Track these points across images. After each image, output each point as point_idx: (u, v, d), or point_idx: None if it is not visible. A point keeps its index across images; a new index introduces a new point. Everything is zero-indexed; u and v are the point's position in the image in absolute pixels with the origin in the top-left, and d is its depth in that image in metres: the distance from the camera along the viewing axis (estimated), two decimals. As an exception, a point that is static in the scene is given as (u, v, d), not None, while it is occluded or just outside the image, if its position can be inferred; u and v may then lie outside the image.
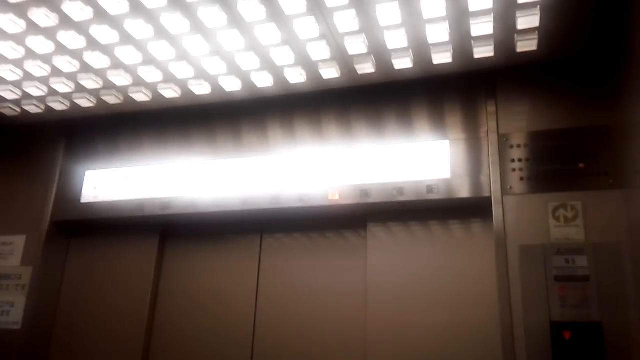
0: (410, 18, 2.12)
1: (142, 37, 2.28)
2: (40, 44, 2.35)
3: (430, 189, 2.37)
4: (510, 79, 2.40)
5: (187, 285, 2.78)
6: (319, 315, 2.55)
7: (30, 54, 2.44)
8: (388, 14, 2.09)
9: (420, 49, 2.32)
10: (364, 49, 2.31)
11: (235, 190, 2.65)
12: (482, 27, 2.15)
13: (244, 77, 2.58)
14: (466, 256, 2.39)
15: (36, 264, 2.83)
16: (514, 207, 2.23)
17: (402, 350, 2.35)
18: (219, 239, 2.81)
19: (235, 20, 2.16)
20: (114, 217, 2.82)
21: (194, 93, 2.71)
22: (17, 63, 2.51)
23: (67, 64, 2.48)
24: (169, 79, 2.60)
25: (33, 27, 2.25)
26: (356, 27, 2.18)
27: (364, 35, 2.24)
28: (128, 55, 2.40)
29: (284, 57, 2.39)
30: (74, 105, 2.86)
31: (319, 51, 2.33)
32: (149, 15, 2.16)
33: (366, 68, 2.44)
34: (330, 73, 2.49)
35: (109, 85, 2.67)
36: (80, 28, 2.25)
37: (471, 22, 2.13)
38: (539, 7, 2.04)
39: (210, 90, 2.69)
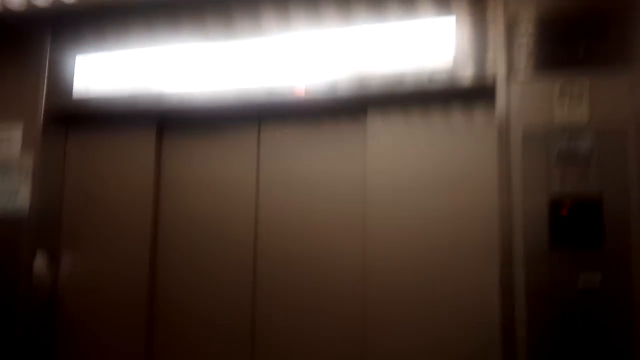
0: None
1: None
2: None
3: (432, 75, 2.30)
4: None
5: (188, 175, 2.79)
6: (319, 204, 2.57)
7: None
8: None
9: None
10: None
11: (230, 81, 2.58)
12: None
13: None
14: (469, 140, 2.37)
15: (36, 152, 2.81)
16: (518, 89, 2.15)
17: (402, 236, 2.38)
18: (217, 129, 2.78)
19: None
20: (108, 112, 2.79)
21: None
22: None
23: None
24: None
25: None
26: None
27: None
28: None
29: None
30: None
31: None
32: None
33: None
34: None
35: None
36: None
37: None
38: None
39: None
